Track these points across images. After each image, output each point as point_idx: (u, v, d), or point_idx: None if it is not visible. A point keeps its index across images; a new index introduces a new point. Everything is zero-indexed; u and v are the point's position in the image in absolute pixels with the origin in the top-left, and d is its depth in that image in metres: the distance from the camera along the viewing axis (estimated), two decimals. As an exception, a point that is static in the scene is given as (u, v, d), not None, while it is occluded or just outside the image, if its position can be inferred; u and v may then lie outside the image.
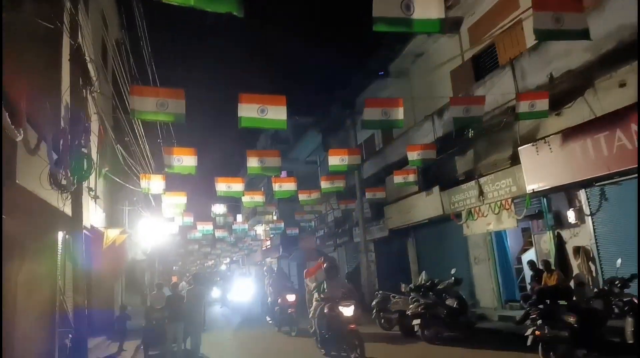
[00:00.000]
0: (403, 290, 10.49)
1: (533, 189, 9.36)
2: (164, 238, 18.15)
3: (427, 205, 13.46)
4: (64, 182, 5.34)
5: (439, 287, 9.73)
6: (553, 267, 9.14)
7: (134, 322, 12.52)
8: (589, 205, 9.21)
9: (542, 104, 8.06)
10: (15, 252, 5.39)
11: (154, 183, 10.20)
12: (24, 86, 4.23)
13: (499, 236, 12.13)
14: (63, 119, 5.64)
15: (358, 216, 16.62)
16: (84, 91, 5.58)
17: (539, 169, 9.20)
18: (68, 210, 5.83)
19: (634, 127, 7.34)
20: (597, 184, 8.76)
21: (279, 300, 12.50)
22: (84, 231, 9.15)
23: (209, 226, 20.54)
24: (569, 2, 5.25)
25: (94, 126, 6.89)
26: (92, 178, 9.47)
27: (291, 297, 12.24)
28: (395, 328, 10.71)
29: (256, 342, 12.12)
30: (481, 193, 11.05)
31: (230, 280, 22.79)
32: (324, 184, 12.64)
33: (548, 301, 7.83)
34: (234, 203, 21.94)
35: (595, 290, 7.92)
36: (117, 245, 11.72)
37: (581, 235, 9.35)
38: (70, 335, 6.44)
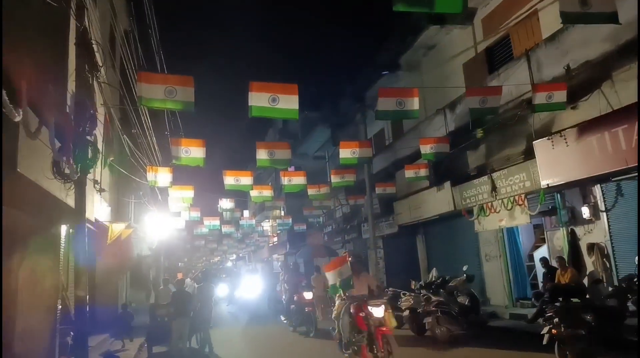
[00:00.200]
0: (413, 287, 10.30)
1: (548, 184, 9.11)
2: (170, 233, 18.08)
3: (438, 201, 13.24)
4: (67, 171, 5.18)
5: (450, 284, 9.54)
6: (567, 264, 8.93)
7: (138, 319, 12.44)
8: (604, 201, 8.98)
9: (560, 95, 7.79)
10: (16, 246, 5.26)
11: (161, 176, 10.06)
12: (26, 66, 4.08)
13: (511, 232, 11.91)
14: (68, 107, 5.51)
15: (367, 211, 16.41)
16: (89, 76, 5.43)
17: (555, 163, 8.95)
18: (71, 201, 5.69)
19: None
20: (613, 179, 8.53)
21: (295, 298, 11.89)
22: (88, 225, 9.05)
23: (215, 222, 20.43)
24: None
25: (100, 113, 6.74)
26: (97, 170, 9.40)
27: (308, 295, 11.58)
28: (405, 326, 10.52)
29: (272, 342, 11.34)
30: (494, 188, 10.80)
31: (238, 276, 22.66)
32: (335, 179, 12.39)
33: (561, 299, 7.65)
34: (241, 198, 21.84)
35: (610, 288, 7.71)
36: (123, 240, 11.64)
37: (595, 231, 9.13)
38: (71, 333, 6.31)
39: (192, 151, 8.33)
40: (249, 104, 6.03)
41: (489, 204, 11.25)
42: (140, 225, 15.45)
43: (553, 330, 6.18)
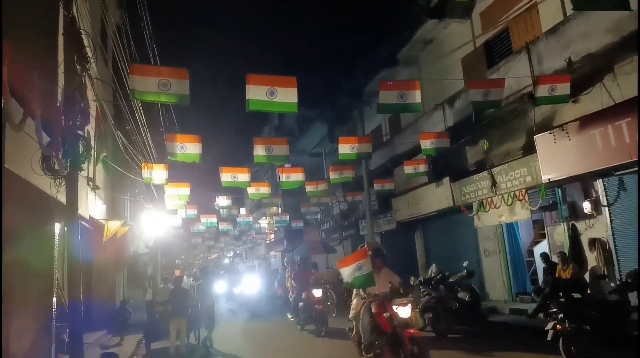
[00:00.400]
0: (412, 283, 10.17)
1: (549, 179, 9.01)
2: (166, 231, 17.92)
3: (437, 197, 13.14)
4: (57, 167, 5.00)
5: (450, 280, 9.42)
6: (568, 259, 8.85)
7: (136, 316, 12.32)
8: (606, 195, 8.88)
9: (564, 87, 7.68)
10: (8, 244, 5.09)
11: (157, 173, 9.87)
12: (9, 53, 3.87)
13: (510, 228, 11.82)
14: (59, 102, 5.33)
15: (365, 208, 16.30)
16: (78, 68, 5.24)
17: (556, 158, 8.84)
18: (63, 198, 5.51)
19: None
20: (616, 173, 8.42)
21: (304, 295, 11.18)
22: (83, 222, 8.92)
23: (212, 219, 20.30)
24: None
25: (92, 109, 6.56)
26: (90, 167, 9.23)
27: (318, 292, 10.89)
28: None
29: (279, 342, 10.55)
30: (494, 183, 10.70)
31: (237, 273, 22.45)
32: (333, 175, 12.23)
33: (561, 294, 7.56)
34: (238, 195, 21.69)
35: (612, 284, 7.62)
36: (119, 238, 11.51)
37: (597, 226, 9.04)
38: (68, 330, 6.18)
39: (188, 147, 8.15)
40: (247, 98, 5.87)
41: (489, 199, 11.14)
42: (137, 223, 15.29)
43: (558, 326, 6.07)
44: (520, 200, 10.25)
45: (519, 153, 10.47)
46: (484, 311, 9.91)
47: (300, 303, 11.35)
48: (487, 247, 12.23)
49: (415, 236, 15.69)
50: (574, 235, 9.44)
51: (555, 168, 8.90)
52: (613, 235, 8.73)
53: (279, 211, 23.98)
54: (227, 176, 10.81)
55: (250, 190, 12.85)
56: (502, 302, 11.42)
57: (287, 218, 21.98)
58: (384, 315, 6.07)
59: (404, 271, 12.82)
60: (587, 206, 9.04)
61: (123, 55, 8.97)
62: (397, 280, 6.82)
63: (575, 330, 6.00)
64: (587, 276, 8.83)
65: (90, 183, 9.32)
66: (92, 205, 9.42)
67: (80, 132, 5.17)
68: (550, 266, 9.38)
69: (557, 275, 8.76)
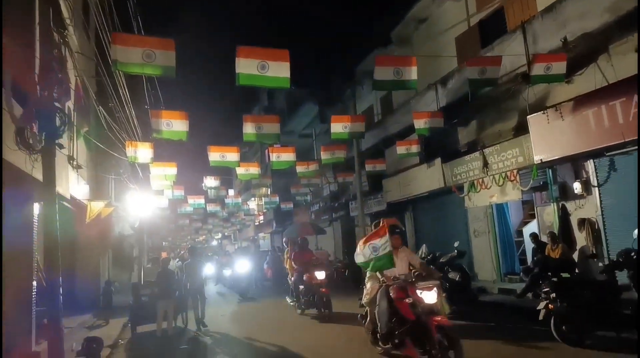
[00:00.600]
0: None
1: (541, 160, 8.97)
2: (153, 212, 17.61)
3: (428, 178, 13.08)
4: (32, 142, 4.70)
5: (441, 260, 9.41)
6: (557, 239, 8.88)
7: (121, 298, 12.13)
8: (597, 176, 8.88)
9: (559, 66, 7.56)
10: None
11: (141, 152, 9.55)
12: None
13: (500, 209, 11.85)
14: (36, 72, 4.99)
15: (356, 189, 16.18)
16: (56, 36, 4.90)
17: (549, 138, 8.78)
18: (39, 175, 5.21)
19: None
20: (607, 154, 8.40)
21: (305, 278, 10.43)
22: (64, 202, 8.63)
23: (200, 200, 20.01)
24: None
25: (72, 81, 6.21)
26: (72, 146, 8.89)
27: (320, 274, 10.22)
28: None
29: (280, 327, 9.44)
30: (485, 164, 10.64)
31: (227, 255, 22.24)
32: (324, 155, 11.99)
33: (550, 274, 7.58)
34: (226, 175, 21.39)
35: (601, 264, 7.67)
36: (103, 218, 11.24)
37: (587, 206, 9.08)
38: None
39: (174, 124, 7.85)
40: (237, 72, 5.61)
41: (480, 180, 11.11)
42: (122, 204, 14.97)
43: (550, 305, 6.06)
44: (511, 181, 10.22)
45: (510, 133, 10.40)
46: (474, 291, 9.97)
47: (301, 286, 10.63)
48: (476, 227, 12.27)
49: (406, 217, 15.68)
50: (564, 215, 9.48)
51: (548, 149, 8.84)
52: (602, 215, 8.77)
53: (269, 193, 23.79)
54: (215, 156, 10.55)
55: (240, 170, 12.61)
56: (491, 282, 11.52)
57: (277, 199, 21.80)
58: (406, 300, 5.39)
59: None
60: (577, 187, 9.05)
61: (106, 28, 8.56)
62: (418, 260, 6.18)
63: (567, 309, 6.01)
64: (575, 256, 8.91)
65: (73, 162, 9.01)
66: (73, 184, 9.10)
67: (58, 105, 4.87)
68: (539, 246, 9.43)
69: (546, 255, 8.81)
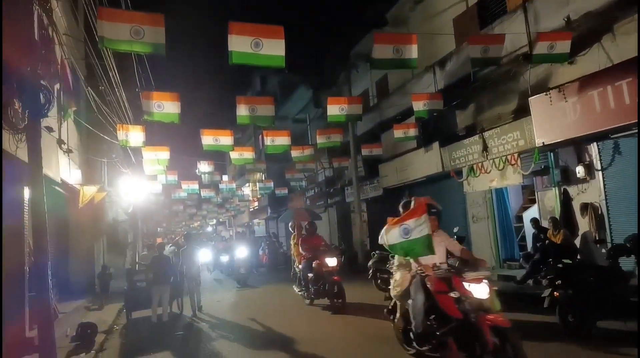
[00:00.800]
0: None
1: (543, 143, 8.75)
2: (146, 197, 17.38)
3: (426, 162, 12.88)
4: (14, 120, 4.44)
5: (440, 246, 9.25)
6: (559, 225, 8.75)
7: (116, 284, 12.01)
8: (601, 159, 8.69)
9: (564, 45, 7.33)
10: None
11: (133, 135, 9.28)
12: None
13: (500, 193, 11.69)
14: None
15: (351, 174, 15.98)
16: (37, 9, 4.59)
17: (552, 120, 8.56)
18: (24, 155, 4.96)
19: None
20: (612, 136, 8.21)
21: (314, 265, 9.60)
22: (55, 187, 8.38)
23: (194, 185, 19.78)
24: None
25: (57, 60, 5.91)
26: (62, 129, 8.59)
27: (332, 261, 9.37)
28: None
29: (290, 320, 8.69)
30: (485, 148, 10.44)
31: (222, 241, 22.06)
32: (320, 139, 11.74)
33: (551, 260, 7.44)
34: (220, 161, 21.11)
35: (603, 250, 7.55)
36: (96, 203, 11.03)
37: (590, 191, 8.90)
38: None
39: (166, 106, 7.56)
40: (229, 49, 5.34)
41: (480, 164, 10.92)
42: (115, 189, 14.71)
43: (555, 293, 5.90)
44: (512, 165, 10.04)
45: (511, 116, 10.18)
46: (473, 276, 9.85)
47: (310, 274, 9.77)
48: (475, 213, 12.12)
49: (402, 202, 15.53)
50: (566, 200, 9.31)
51: (551, 131, 8.63)
52: (606, 199, 8.60)
53: (263, 178, 23.55)
54: (208, 139, 10.28)
55: (234, 155, 12.35)
56: (490, 268, 11.39)
57: (271, 184, 21.59)
58: (451, 294, 4.57)
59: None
60: (580, 171, 8.86)
61: (93, 9, 8.19)
62: (458, 246, 5.26)
63: (573, 296, 5.84)
64: (577, 242, 8.79)
65: (63, 146, 8.72)
66: (64, 169, 8.85)
67: (43, 82, 4.58)
68: (540, 232, 9.30)
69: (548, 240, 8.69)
